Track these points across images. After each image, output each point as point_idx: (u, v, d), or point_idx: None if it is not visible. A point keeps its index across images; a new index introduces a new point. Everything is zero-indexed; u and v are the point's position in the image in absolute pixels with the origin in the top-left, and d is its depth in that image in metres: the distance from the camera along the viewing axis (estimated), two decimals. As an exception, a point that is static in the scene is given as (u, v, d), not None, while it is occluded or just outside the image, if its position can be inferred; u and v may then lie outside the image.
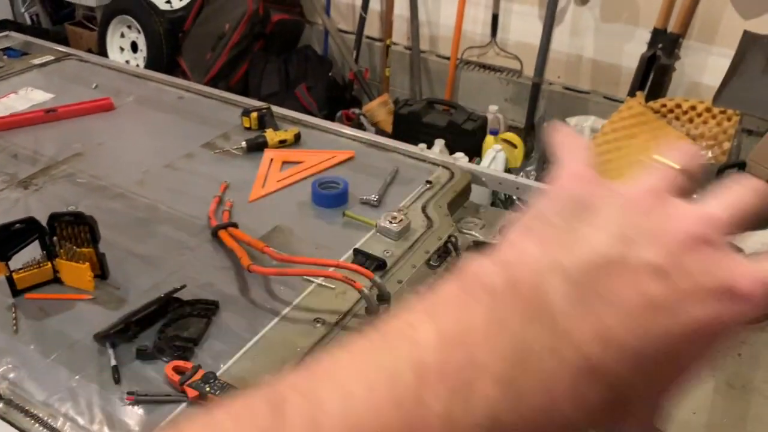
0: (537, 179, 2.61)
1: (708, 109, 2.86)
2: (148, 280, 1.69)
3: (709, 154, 2.80)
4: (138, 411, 1.33)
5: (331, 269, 1.59)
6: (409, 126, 3.27)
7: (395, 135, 3.33)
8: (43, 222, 1.62)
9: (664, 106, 2.97)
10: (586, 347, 0.32)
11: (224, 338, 1.53)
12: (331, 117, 3.59)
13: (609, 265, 0.33)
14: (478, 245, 2.79)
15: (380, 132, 3.40)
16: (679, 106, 2.94)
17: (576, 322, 0.32)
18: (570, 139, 0.43)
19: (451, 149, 3.08)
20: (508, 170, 2.95)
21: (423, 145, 2.85)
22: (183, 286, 1.62)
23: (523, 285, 0.34)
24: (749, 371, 2.29)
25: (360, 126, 3.42)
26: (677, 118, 2.95)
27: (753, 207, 0.40)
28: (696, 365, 0.36)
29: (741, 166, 2.49)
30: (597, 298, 0.32)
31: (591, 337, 0.32)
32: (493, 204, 2.70)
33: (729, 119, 2.81)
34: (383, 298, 1.54)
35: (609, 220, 0.35)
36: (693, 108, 2.90)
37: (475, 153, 3.16)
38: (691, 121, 2.92)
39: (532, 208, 0.38)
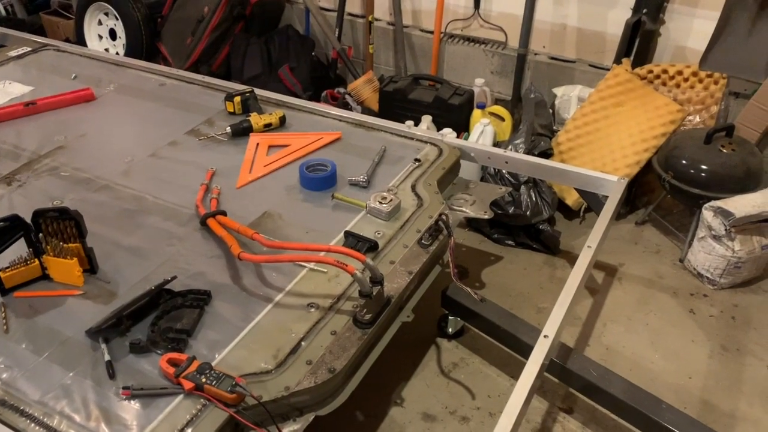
0: (526, 152, 2.60)
1: (695, 74, 2.84)
2: (137, 272, 1.67)
3: (697, 119, 2.79)
4: (134, 405, 1.32)
5: (322, 254, 1.57)
6: (396, 103, 3.24)
7: (382, 113, 3.30)
8: (28, 219, 1.59)
9: (651, 72, 2.95)
10: None
11: (218, 328, 1.51)
12: (316, 97, 3.56)
13: None
14: (469, 222, 2.79)
15: (366, 110, 3.37)
16: (665, 71, 2.93)
17: None
18: None
19: (439, 125, 3.06)
20: (496, 144, 2.93)
21: (410, 123, 2.82)
22: (173, 278, 1.61)
23: None
24: (742, 334, 2.31)
25: (345, 105, 3.39)
26: (664, 84, 2.94)
27: None
28: None
29: (729, 130, 2.48)
30: None
31: None
32: (482, 179, 2.68)
33: (716, 83, 2.80)
34: (376, 281, 1.53)
35: None
36: (680, 73, 2.88)
37: (462, 128, 3.14)
38: (678, 86, 2.91)
39: None
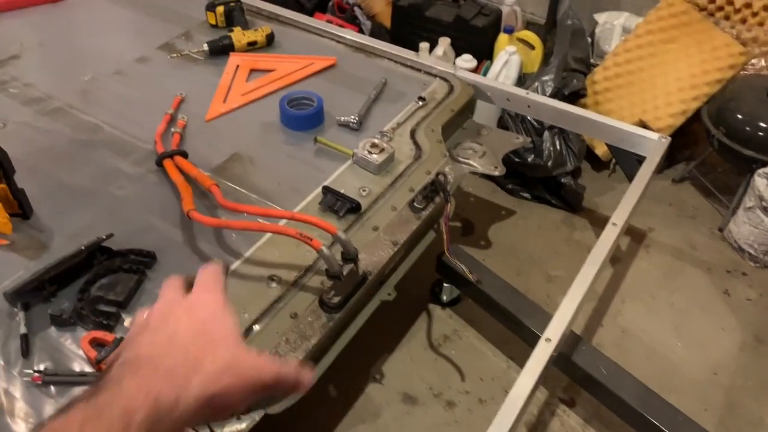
0: (554, 90, 2.23)
1: (766, 7, 2.40)
2: (78, 220, 1.42)
3: (762, 63, 2.38)
4: (47, 393, 1.10)
5: (283, 222, 1.30)
6: (410, 20, 2.83)
7: (393, 30, 2.92)
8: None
9: (713, 2, 2.51)
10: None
11: (158, 300, 1.27)
12: (322, 6, 3.17)
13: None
14: (477, 176, 2.45)
15: (377, 26, 2.99)
16: (731, 2, 2.48)
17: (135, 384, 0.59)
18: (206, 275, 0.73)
19: (458, 49, 2.67)
20: (522, 76, 2.56)
21: (425, 45, 2.45)
22: (110, 236, 1.35)
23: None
24: (782, 324, 2.03)
25: (354, 19, 3.01)
26: (727, 18, 2.50)
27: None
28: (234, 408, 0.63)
29: (800, 81, 2.09)
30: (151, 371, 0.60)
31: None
32: (501, 117, 2.34)
33: (789, 19, 2.37)
34: (349, 257, 1.26)
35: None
36: (748, 5, 2.43)
37: (485, 54, 2.75)
38: (744, 21, 2.47)
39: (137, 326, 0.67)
